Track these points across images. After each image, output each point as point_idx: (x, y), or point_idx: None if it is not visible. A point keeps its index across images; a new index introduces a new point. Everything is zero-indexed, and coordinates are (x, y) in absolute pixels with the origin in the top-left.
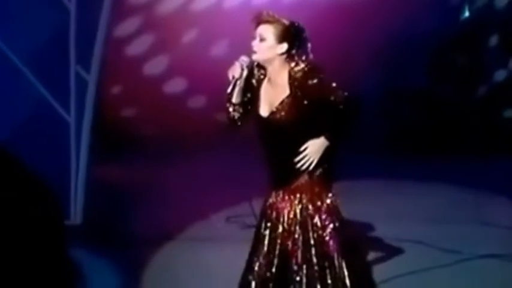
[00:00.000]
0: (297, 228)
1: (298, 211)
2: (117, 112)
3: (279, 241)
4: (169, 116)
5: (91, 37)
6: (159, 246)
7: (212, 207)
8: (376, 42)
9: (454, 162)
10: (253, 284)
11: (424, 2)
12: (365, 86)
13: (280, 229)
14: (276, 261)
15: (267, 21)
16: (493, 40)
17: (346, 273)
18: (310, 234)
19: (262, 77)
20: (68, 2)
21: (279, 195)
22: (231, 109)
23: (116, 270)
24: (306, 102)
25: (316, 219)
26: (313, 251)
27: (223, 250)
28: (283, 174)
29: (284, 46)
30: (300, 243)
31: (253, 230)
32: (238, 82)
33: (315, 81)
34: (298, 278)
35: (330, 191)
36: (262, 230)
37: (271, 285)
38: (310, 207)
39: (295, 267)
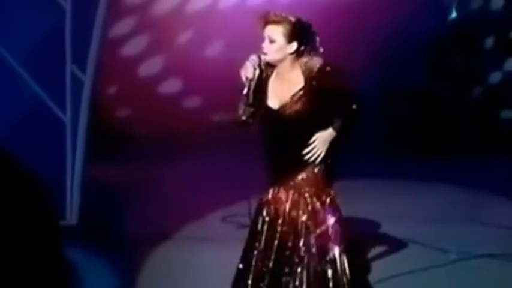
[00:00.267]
0: (299, 222)
1: (300, 206)
2: (112, 112)
3: (278, 235)
4: (165, 116)
5: (87, 37)
6: (155, 246)
7: (208, 207)
8: (374, 42)
9: (452, 162)
10: (250, 278)
11: (422, 2)
12: (364, 85)
13: (280, 224)
14: (273, 256)
15: (274, 22)
16: (489, 41)
17: (347, 267)
18: (312, 228)
19: (270, 73)
20: (63, 2)
21: (279, 190)
22: (245, 110)
23: (112, 270)
24: (319, 93)
25: (318, 214)
26: (314, 245)
27: (219, 250)
28: (288, 168)
29: (294, 45)
30: (301, 238)
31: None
32: (252, 83)
33: (327, 73)
34: (299, 270)
35: (331, 187)
36: (259, 226)
37: (267, 279)
38: (312, 202)
39: (296, 260)
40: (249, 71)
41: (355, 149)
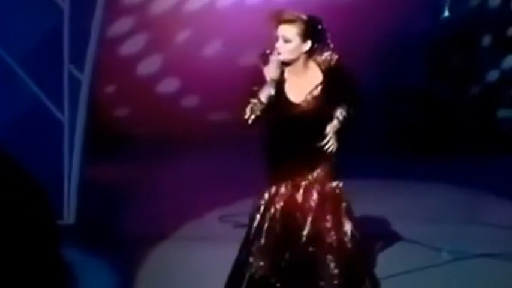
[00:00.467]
0: (310, 216)
1: (312, 200)
2: (110, 111)
3: (279, 229)
4: (163, 116)
5: (84, 36)
6: (153, 246)
7: (206, 207)
8: (372, 42)
9: (451, 162)
10: (246, 276)
11: (419, 1)
12: (363, 85)
13: (290, 218)
14: (286, 251)
15: (288, 21)
16: (487, 40)
17: (359, 260)
18: (323, 223)
19: (283, 71)
20: (61, 2)
21: (288, 185)
22: (255, 110)
23: (110, 269)
24: (335, 87)
25: (329, 207)
26: (328, 237)
27: (218, 249)
28: (306, 162)
29: (308, 43)
30: (313, 230)
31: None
32: (274, 83)
33: (342, 67)
34: (313, 262)
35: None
36: (262, 221)
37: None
38: (325, 194)
39: (311, 253)
40: (272, 71)
41: (355, 149)
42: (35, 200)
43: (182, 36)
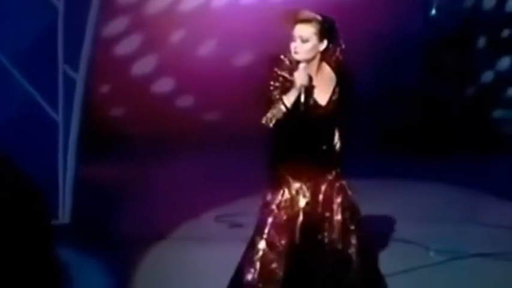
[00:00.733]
0: (332, 214)
1: (334, 199)
2: (105, 111)
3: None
4: (158, 116)
5: (79, 36)
6: (149, 246)
7: (202, 207)
8: (369, 42)
9: (448, 162)
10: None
11: (415, 2)
12: (360, 85)
13: (312, 217)
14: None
15: (304, 21)
16: (482, 41)
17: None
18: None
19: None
20: (56, 1)
21: (301, 188)
22: (276, 115)
23: (105, 270)
24: (346, 87)
25: (347, 205)
26: (351, 237)
27: (214, 249)
28: (323, 162)
29: (324, 43)
30: (326, 228)
31: (242, 229)
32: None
33: (349, 68)
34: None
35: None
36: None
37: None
38: (343, 194)
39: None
40: (304, 78)
41: (354, 149)
42: (30, 200)
43: (177, 36)
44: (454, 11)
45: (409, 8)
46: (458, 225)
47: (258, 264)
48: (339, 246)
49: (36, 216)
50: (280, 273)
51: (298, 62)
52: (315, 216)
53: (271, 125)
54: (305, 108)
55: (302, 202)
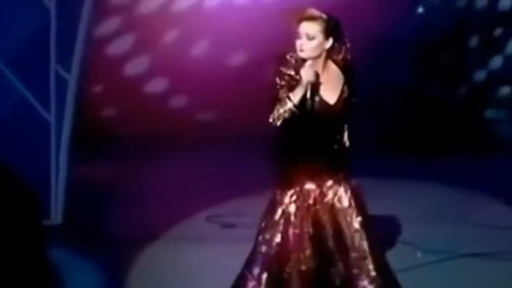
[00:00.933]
0: (330, 217)
1: (344, 198)
2: (98, 112)
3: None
4: (150, 116)
5: (71, 37)
6: (142, 247)
7: (194, 207)
8: (363, 42)
9: (444, 162)
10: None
11: (408, 2)
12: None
13: (311, 219)
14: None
15: (311, 18)
16: (474, 40)
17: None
18: (344, 223)
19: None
20: (48, 2)
21: (311, 187)
22: (283, 114)
23: (97, 270)
24: (352, 87)
25: (358, 205)
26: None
27: (207, 250)
28: (331, 161)
29: (330, 41)
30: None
31: (235, 229)
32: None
33: (354, 67)
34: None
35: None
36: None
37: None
38: (353, 193)
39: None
40: (310, 74)
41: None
42: (22, 200)
43: (170, 36)
44: (446, 10)
45: (402, 7)
46: (453, 225)
47: (265, 265)
48: (349, 246)
49: (28, 216)
50: (290, 275)
51: (303, 60)
52: (325, 217)
53: (278, 123)
54: (312, 105)
55: (312, 202)
